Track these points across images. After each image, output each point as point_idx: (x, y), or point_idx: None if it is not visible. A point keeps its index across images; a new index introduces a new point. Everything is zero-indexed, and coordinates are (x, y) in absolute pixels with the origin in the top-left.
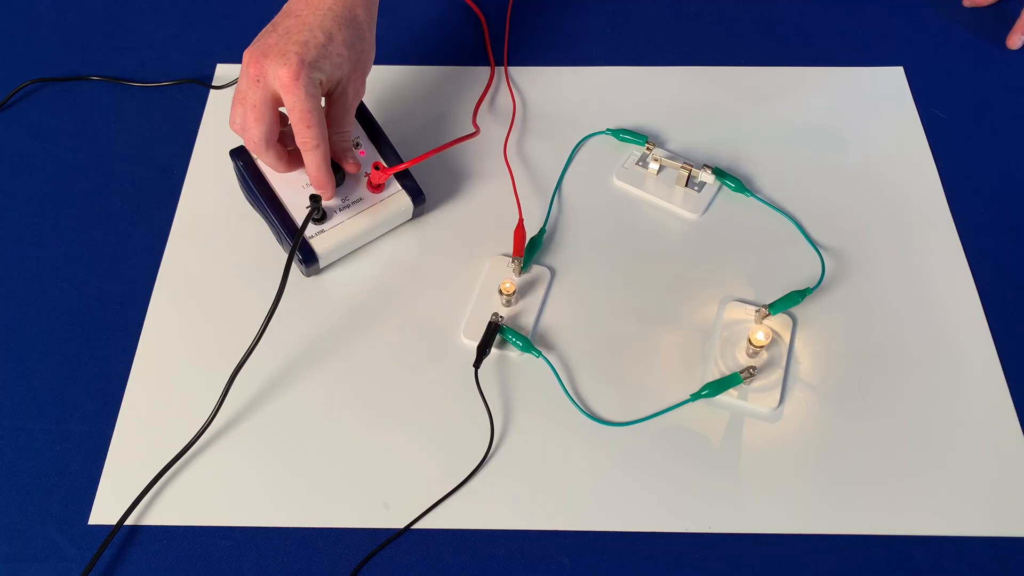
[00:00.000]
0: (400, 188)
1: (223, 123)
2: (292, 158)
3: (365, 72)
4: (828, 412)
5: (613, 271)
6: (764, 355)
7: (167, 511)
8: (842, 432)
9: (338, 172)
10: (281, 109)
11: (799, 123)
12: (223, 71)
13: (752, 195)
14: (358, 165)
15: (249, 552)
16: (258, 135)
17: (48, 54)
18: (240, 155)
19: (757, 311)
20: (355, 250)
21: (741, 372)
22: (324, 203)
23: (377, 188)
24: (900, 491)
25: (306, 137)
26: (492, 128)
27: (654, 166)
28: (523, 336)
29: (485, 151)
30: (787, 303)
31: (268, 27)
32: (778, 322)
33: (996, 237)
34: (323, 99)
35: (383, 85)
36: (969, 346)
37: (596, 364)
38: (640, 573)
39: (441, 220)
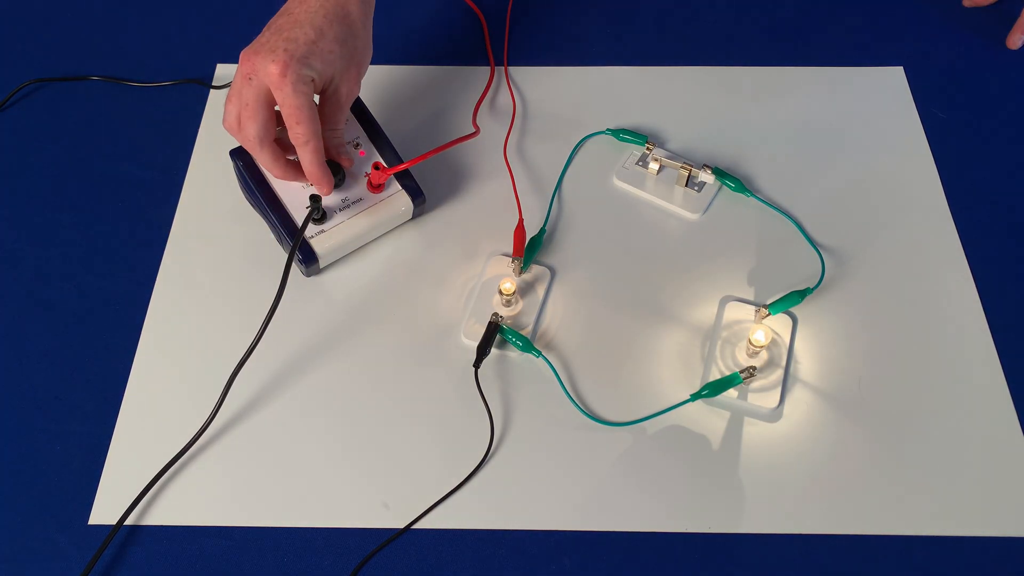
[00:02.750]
0: (400, 188)
1: None
2: (290, 165)
3: (360, 70)
4: (828, 412)
5: (613, 271)
6: (764, 355)
7: (167, 511)
8: (842, 432)
9: (339, 171)
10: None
11: (799, 123)
12: (223, 71)
13: (752, 195)
14: (351, 161)
15: (249, 552)
16: (252, 133)
17: (48, 54)
18: (240, 155)
19: (757, 311)
20: (355, 250)
21: (741, 372)
22: (324, 203)
23: (377, 188)
24: (900, 491)
25: (296, 133)
26: (492, 128)
27: (654, 166)
28: (523, 336)
29: (485, 151)
30: (787, 303)
31: (265, 27)
32: (778, 322)
33: (996, 237)
34: (317, 96)
35: (383, 85)
36: (969, 346)
37: (596, 364)
38: (640, 573)
39: (441, 220)
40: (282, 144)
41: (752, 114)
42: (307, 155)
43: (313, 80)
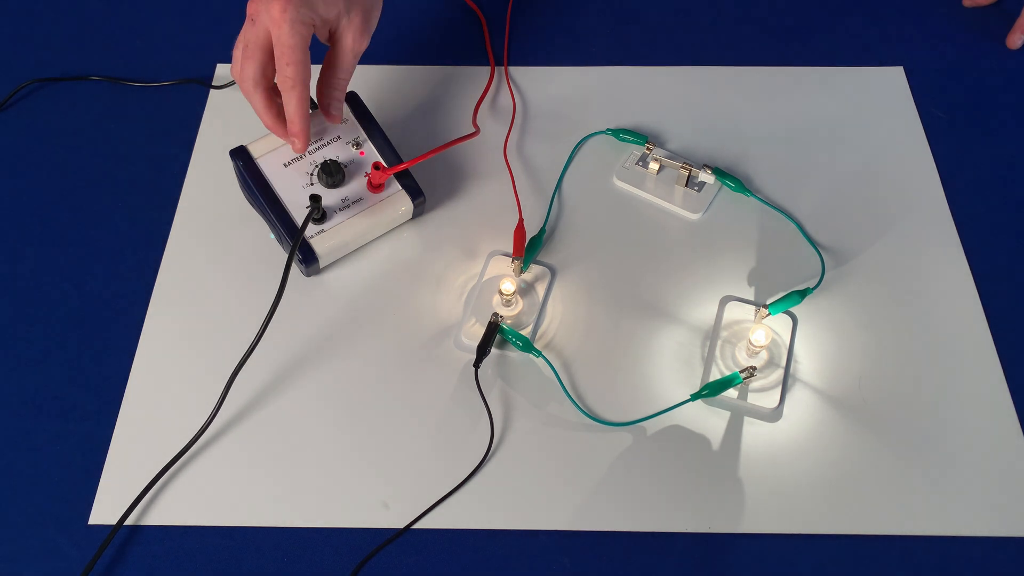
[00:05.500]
0: (400, 188)
1: (223, 123)
2: (281, 116)
3: (367, 19)
4: (828, 412)
5: (613, 271)
6: (764, 355)
7: (167, 511)
8: (842, 432)
9: (338, 172)
10: None
11: (799, 123)
12: (223, 71)
13: (752, 195)
14: (339, 117)
15: (249, 552)
16: (250, 74)
17: (48, 54)
18: (240, 155)
19: (757, 311)
20: (355, 250)
21: (741, 372)
22: (324, 203)
23: (377, 188)
24: (900, 491)
25: (285, 75)
26: (492, 128)
27: (654, 166)
28: (523, 336)
29: (485, 151)
30: (787, 303)
31: None
32: (778, 322)
33: (996, 237)
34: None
35: (383, 85)
36: (969, 346)
37: (596, 364)
38: (640, 573)
39: (441, 220)
40: (277, 94)
41: (752, 114)
42: (292, 100)
43: (314, 25)
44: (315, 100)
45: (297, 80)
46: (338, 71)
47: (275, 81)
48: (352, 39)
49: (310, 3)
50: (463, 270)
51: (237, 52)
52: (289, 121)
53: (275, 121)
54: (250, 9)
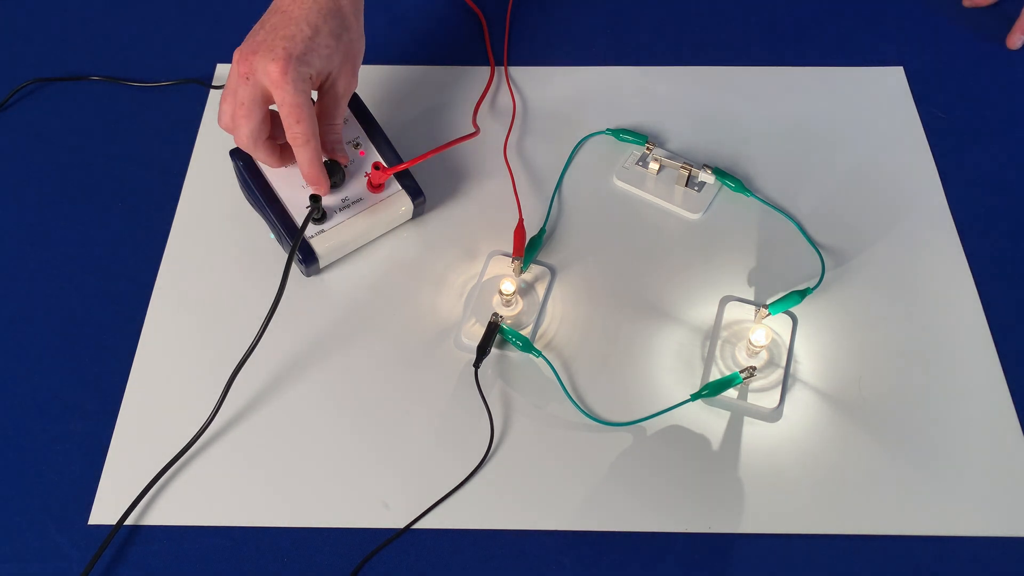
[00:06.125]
0: (400, 188)
1: None
2: (284, 153)
3: (355, 63)
4: (828, 412)
5: (613, 271)
6: (764, 355)
7: (167, 511)
8: (842, 432)
9: (338, 172)
10: (272, 107)
11: (799, 123)
12: (223, 71)
13: (752, 195)
14: (347, 158)
15: (249, 552)
16: (246, 132)
17: (48, 54)
18: (240, 155)
19: (757, 311)
20: (355, 250)
21: (741, 372)
22: (324, 203)
23: (377, 188)
24: (900, 491)
25: (296, 132)
26: (492, 128)
27: (654, 166)
28: (523, 336)
29: (485, 151)
30: (787, 303)
31: (257, 25)
32: (778, 322)
33: (996, 237)
34: (314, 92)
35: (383, 85)
36: (969, 346)
37: (596, 364)
38: (640, 573)
39: (441, 220)
40: (274, 138)
41: (752, 114)
42: (305, 155)
43: (311, 77)
44: None
45: (310, 135)
46: (334, 116)
47: (282, 138)
48: (344, 84)
49: (307, 59)
50: (463, 270)
51: (226, 106)
52: (306, 175)
53: (283, 160)
54: (242, 67)
